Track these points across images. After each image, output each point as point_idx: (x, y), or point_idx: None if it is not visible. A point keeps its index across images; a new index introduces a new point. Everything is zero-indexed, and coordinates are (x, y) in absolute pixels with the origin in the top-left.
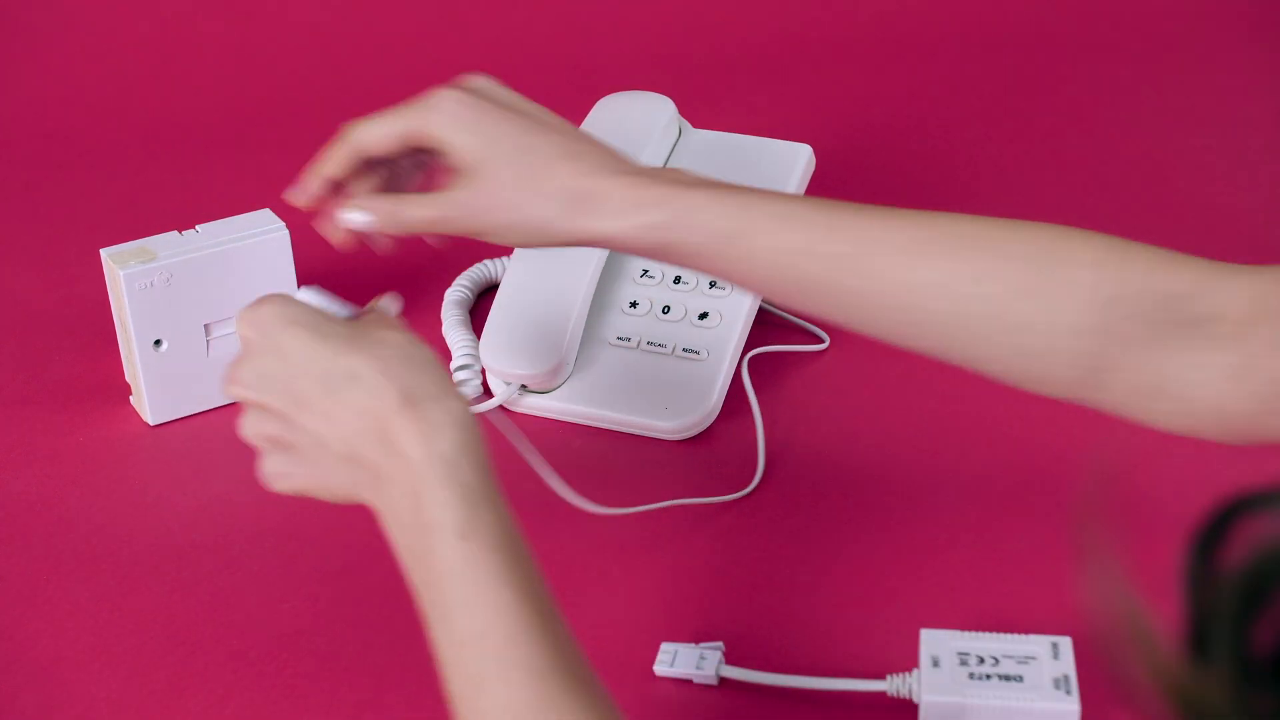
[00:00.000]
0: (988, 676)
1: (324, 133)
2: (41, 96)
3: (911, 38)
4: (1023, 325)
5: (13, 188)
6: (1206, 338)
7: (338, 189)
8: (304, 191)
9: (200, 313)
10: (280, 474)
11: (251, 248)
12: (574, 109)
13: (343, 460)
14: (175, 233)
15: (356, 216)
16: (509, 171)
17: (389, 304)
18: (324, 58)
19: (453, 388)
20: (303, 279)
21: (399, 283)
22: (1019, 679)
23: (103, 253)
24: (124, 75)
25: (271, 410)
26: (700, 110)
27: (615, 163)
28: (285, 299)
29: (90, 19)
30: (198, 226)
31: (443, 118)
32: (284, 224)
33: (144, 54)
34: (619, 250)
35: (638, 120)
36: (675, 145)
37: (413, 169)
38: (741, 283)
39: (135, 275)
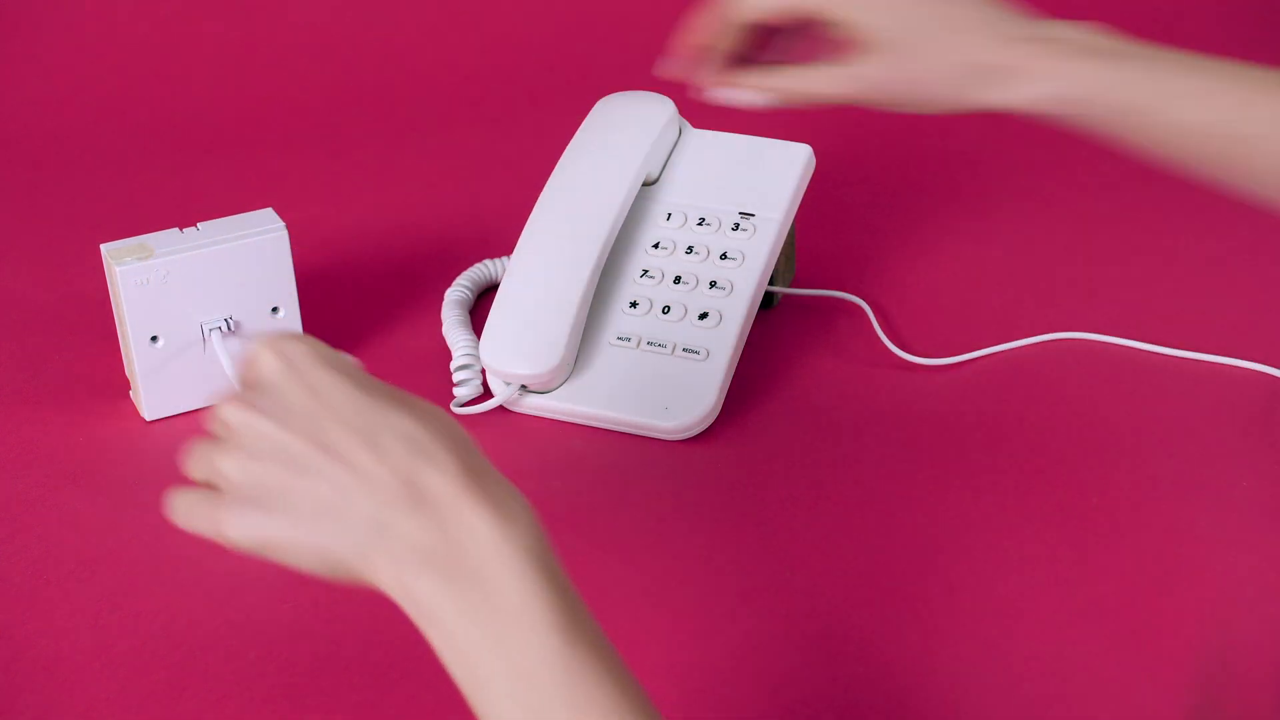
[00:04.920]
0: None
1: (324, 133)
2: (41, 96)
3: None
4: None
5: (13, 188)
6: None
7: (707, 56)
8: (675, 63)
9: (197, 311)
10: (249, 524)
11: (250, 247)
12: (574, 109)
13: (364, 523)
14: (176, 230)
15: (746, 96)
16: (913, 45)
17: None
18: (324, 57)
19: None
20: (301, 278)
21: (400, 283)
22: None
23: (102, 248)
24: (124, 75)
25: (284, 450)
26: (700, 110)
27: (1019, 28)
28: (313, 338)
29: (90, 19)
30: (199, 224)
31: None
32: (284, 224)
33: (144, 54)
34: (1024, 115)
35: (638, 120)
36: (675, 145)
37: (790, 38)
38: (1151, 152)
39: (131, 272)
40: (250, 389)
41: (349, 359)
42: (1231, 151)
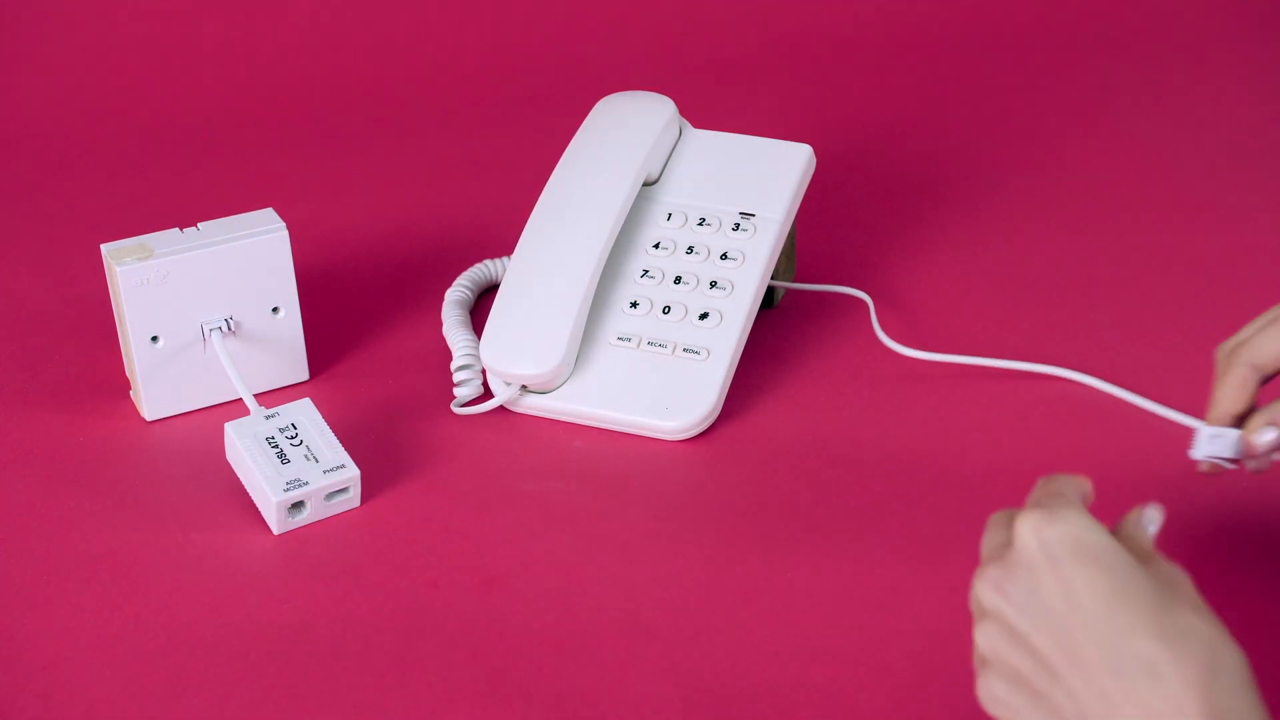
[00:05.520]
0: None
1: (324, 133)
2: (41, 96)
3: (911, 38)
4: None
5: (13, 188)
6: None
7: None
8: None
9: (197, 311)
10: (1002, 703)
11: (250, 247)
12: (574, 109)
13: None
14: (176, 230)
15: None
16: None
17: (1154, 515)
18: (324, 58)
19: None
20: (301, 280)
21: (400, 282)
22: None
23: (102, 248)
24: (124, 75)
25: (1028, 654)
26: (700, 110)
27: None
28: (1090, 520)
29: (90, 19)
30: (199, 224)
31: None
32: (284, 224)
33: (144, 54)
34: None
35: (638, 120)
36: (675, 145)
37: None
38: None
39: (131, 272)
40: (1003, 565)
41: (1084, 484)
42: None
